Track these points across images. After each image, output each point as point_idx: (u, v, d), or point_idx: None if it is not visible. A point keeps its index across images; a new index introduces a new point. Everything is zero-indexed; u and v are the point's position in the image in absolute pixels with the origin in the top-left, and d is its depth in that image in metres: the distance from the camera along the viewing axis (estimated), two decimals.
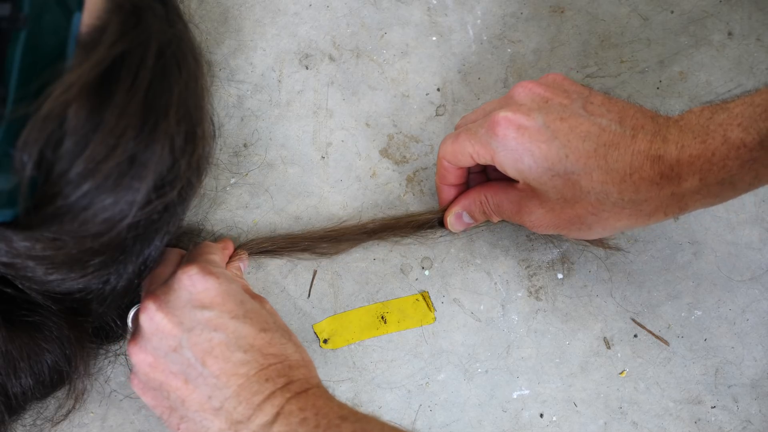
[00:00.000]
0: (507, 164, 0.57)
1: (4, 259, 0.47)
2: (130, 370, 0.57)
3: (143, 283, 0.58)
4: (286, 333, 0.56)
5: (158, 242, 0.53)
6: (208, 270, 0.55)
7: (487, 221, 0.65)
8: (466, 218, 0.64)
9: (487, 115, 0.60)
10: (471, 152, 0.59)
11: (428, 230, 0.66)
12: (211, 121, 0.55)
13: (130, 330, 0.59)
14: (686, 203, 0.54)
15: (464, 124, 0.63)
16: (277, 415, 0.51)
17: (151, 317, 0.54)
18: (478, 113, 0.62)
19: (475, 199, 0.62)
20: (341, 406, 0.53)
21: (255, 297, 0.58)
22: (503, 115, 0.57)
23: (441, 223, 0.66)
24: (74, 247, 0.48)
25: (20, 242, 0.46)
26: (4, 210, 0.45)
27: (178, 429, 0.55)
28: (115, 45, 0.45)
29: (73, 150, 0.45)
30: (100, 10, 0.46)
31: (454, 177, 0.63)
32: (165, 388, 0.54)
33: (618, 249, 0.66)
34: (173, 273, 0.57)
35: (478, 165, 0.62)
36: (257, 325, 0.54)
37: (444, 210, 0.65)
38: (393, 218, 0.66)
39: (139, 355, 0.55)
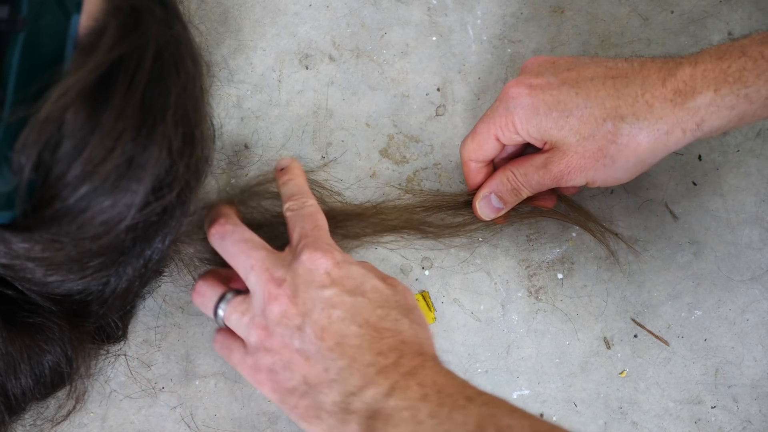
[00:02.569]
0: (527, 121, 0.59)
1: (4, 261, 0.47)
2: (250, 364, 0.56)
3: (248, 265, 0.57)
4: (406, 311, 0.56)
5: (159, 244, 0.53)
6: (332, 255, 0.56)
7: (516, 209, 0.65)
8: (495, 201, 0.63)
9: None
10: (494, 132, 0.60)
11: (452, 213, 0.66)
12: (211, 122, 0.55)
13: (223, 323, 0.58)
14: (701, 118, 0.55)
15: None
16: (392, 388, 0.51)
17: (281, 304, 0.54)
18: None
19: (501, 178, 0.63)
20: (464, 384, 0.52)
21: (385, 279, 0.58)
22: (513, 82, 0.60)
23: (469, 205, 0.65)
24: (73, 249, 0.48)
25: (19, 244, 0.46)
26: (3, 212, 0.45)
27: (296, 407, 0.54)
28: (113, 49, 0.45)
29: (71, 153, 0.45)
30: (98, 12, 0.46)
31: (483, 176, 0.64)
32: (290, 367, 0.54)
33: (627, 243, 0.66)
34: (282, 253, 0.57)
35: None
36: (374, 303, 0.55)
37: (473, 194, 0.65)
38: (419, 200, 0.66)
39: (269, 341, 0.55)
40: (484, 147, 0.62)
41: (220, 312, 0.58)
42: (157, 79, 0.47)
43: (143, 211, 0.48)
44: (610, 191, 0.67)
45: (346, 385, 0.52)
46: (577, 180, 0.60)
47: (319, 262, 0.55)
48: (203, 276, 0.60)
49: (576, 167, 0.59)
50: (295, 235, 0.58)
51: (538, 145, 0.60)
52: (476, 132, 0.62)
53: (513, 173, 0.62)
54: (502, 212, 0.64)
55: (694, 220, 0.67)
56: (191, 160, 0.50)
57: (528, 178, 0.61)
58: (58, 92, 0.43)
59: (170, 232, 0.53)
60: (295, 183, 0.61)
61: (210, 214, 0.60)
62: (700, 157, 0.68)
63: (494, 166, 0.64)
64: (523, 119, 0.59)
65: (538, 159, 0.60)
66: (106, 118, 0.45)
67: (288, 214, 0.59)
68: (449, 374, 0.53)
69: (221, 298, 0.58)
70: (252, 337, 0.56)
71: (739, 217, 0.67)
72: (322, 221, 0.59)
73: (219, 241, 0.59)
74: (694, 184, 0.68)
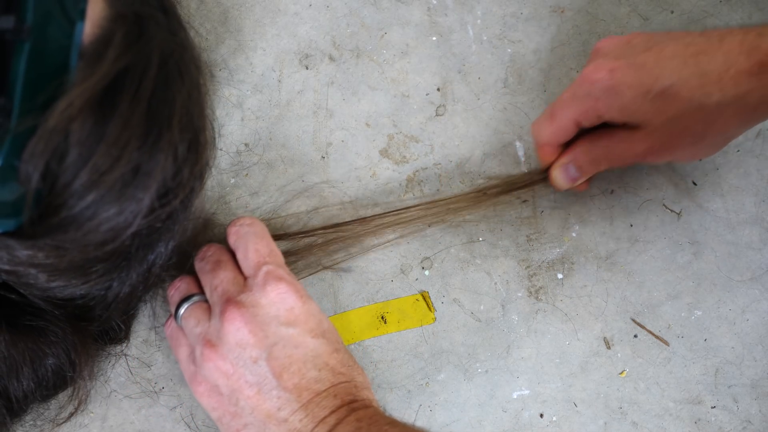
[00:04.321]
0: (612, 105, 0.58)
1: (6, 267, 0.47)
2: (192, 371, 0.57)
3: (213, 284, 0.58)
4: (350, 354, 0.58)
5: (162, 248, 0.53)
6: (296, 288, 0.57)
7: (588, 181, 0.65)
8: (573, 171, 0.63)
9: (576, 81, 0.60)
10: (575, 117, 0.60)
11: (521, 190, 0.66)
12: (212, 126, 0.55)
13: (180, 326, 0.59)
14: None
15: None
16: (337, 424, 0.53)
17: (238, 328, 0.55)
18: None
19: (581, 148, 0.62)
20: (393, 419, 0.54)
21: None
22: (592, 66, 0.58)
23: (543, 182, 0.65)
24: (77, 255, 0.48)
25: (22, 251, 0.46)
26: (8, 220, 0.45)
27: None
28: (119, 59, 0.45)
29: (78, 162, 0.44)
30: (102, 19, 0.46)
31: (557, 155, 0.63)
32: (236, 395, 0.55)
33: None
34: (246, 279, 0.58)
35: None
36: (332, 345, 0.56)
37: (546, 170, 0.64)
38: (491, 184, 0.66)
39: (218, 362, 0.55)
40: (564, 132, 0.61)
41: (181, 310, 0.59)
42: (162, 87, 0.47)
43: (148, 217, 0.48)
44: (610, 191, 0.67)
45: (297, 425, 0.54)
46: (661, 159, 0.59)
47: (284, 296, 0.56)
48: (186, 275, 0.61)
49: (661, 148, 0.58)
50: (251, 257, 0.58)
51: (621, 123, 0.59)
52: (554, 117, 0.61)
53: (596, 146, 0.61)
54: (578, 182, 0.64)
55: (694, 220, 0.67)
56: (196, 167, 0.50)
57: (608, 150, 0.60)
58: (65, 103, 0.43)
59: (173, 237, 0.54)
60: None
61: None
62: None
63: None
64: (607, 103, 0.58)
65: (622, 135, 0.59)
66: (112, 127, 0.45)
67: (234, 230, 0.60)
68: (384, 414, 0.55)
69: (188, 298, 0.59)
70: (198, 349, 0.56)
71: (739, 217, 0.67)
72: (274, 245, 0.59)
73: (198, 261, 0.60)
74: (694, 184, 0.68)
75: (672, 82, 0.56)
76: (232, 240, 0.60)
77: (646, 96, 0.56)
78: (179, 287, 0.60)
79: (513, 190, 0.66)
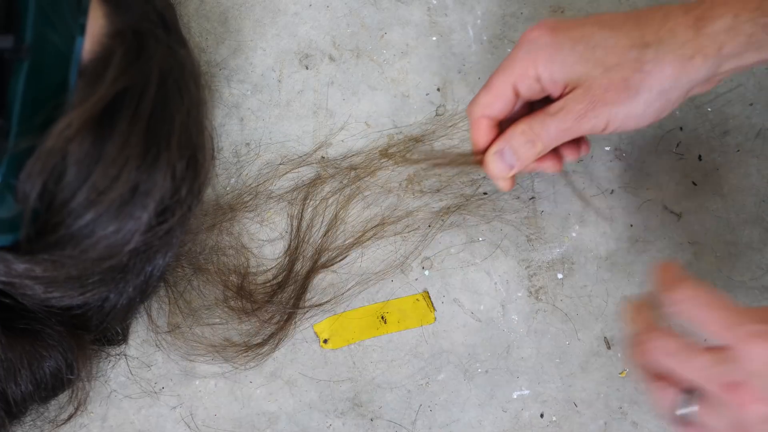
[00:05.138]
0: (552, 60, 0.56)
1: (4, 279, 0.47)
2: None
3: (693, 370, 0.49)
4: None
5: (160, 260, 0.53)
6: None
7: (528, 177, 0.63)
8: (509, 156, 0.58)
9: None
10: (513, 82, 0.57)
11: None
12: (211, 142, 0.55)
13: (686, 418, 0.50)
14: (722, 42, 0.54)
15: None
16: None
17: (757, 410, 0.46)
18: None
19: (515, 130, 0.58)
20: None
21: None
22: (531, 27, 0.57)
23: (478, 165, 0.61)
24: (74, 270, 0.48)
25: (20, 264, 0.47)
26: (5, 235, 0.45)
27: None
28: (118, 80, 0.45)
29: (76, 181, 0.45)
30: (101, 35, 0.46)
31: (492, 137, 0.59)
32: None
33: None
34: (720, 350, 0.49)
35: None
36: None
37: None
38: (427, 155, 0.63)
39: None
40: (501, 99, 0.58)
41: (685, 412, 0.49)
42: (161, 106, 0.47)
43: (146, 234, 0.48)
44: (610, 191, 0.67)
45: None
46: (598, 119, 0.56)
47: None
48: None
49: (599, 101, 0.55)
50: (712, 327, 0.49)
51: (558, 91, 0.57)
52: (491, 85, 0.58)
53: (529, 124, 0.57)
54: (514, 171, 0.59)
55: (694, 220, 0.67)
56: (194, 184, 0.50)
57: (545, 125, 0.57)
58: (63, 123, 0.43)
59: (171, 249, 0.54)
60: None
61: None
62: (700, 157, 0.68)
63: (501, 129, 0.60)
64: (547, 59, 0.56)
65: (557, 104, 0.57)
66: (110, 146, 0.45)
67: (677, 298, 0.51)
68: None
69: (684, 400, 0.49)
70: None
71: (739, 217, 0.67)
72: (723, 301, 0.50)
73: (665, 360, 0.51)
74: (694, 184, 0.68)
75: (613, 34, 0.55)
76: (676, 308, 0.51)
77: (588, 46, 0.55)
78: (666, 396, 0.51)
79: (443, 165, 0.63)
